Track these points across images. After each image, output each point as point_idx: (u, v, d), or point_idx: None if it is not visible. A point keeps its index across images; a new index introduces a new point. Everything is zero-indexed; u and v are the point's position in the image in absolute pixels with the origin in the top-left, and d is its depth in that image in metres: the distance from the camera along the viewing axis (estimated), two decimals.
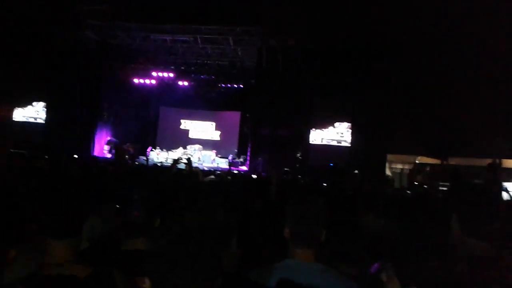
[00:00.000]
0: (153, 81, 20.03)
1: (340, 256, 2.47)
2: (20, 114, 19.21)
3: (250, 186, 4.98)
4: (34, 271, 1.46)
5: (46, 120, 18.79)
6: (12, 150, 13.55)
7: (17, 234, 1.58)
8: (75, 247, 1.59)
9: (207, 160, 19.60)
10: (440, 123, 15.39)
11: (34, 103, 19.13)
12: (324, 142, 17.23)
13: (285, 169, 13.98)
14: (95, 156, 13.93)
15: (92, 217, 2.53)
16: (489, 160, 7.68)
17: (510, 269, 1.87)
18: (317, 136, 17.33)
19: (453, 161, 16.00)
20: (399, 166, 17.55)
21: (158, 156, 19.50)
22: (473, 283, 1.93)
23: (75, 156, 11.10)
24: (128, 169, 6.46)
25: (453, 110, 14.94)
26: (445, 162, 16.29)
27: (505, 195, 6.22)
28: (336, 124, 17.24)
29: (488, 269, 1.94)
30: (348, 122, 17.10)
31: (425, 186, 11.15)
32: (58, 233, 1.57)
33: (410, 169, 16.60)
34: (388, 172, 16.98)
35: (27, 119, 19.17)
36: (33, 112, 19.21)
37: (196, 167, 6.01)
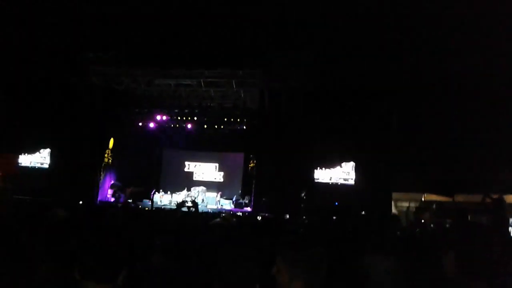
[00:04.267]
0: (157, 124, 20.29)
1: None
2: (28, 160, 19.34)
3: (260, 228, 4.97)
4: None
5: (50, 165, 18.92)
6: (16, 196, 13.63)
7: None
8: None
9: (211, 201, 19.52)
10: (445, 160, 15.38)
11: (41, 150, 19.29)
12: (333, 181, 17.25)
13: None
14: (106, 202, 13.93)
15: None
16: (495, 196, 7.63)
17: None
18: (325, 175, 17.36)
19: (459, 197, 15.88)
20: (405, 204, 17.40)
21: (162, 198, 19.45)
22: None
23: (80, 202, 11.12)
24: (134, 213, 6.48)
25: (457, 146, 14.97)
26: (451, 199, 16.17)
27: None
28: (343, 164, 17.31)
29: None
30: (353, 162, 17.17)
31: (432, 225, 11.05)
32: (101, 277, 1.65)
33: (416, 207, 16.52)
34: (394, 210, 16.85)
35: (34, 164, 19.27)
36: (40, 158, 19.33)
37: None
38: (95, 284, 1.64)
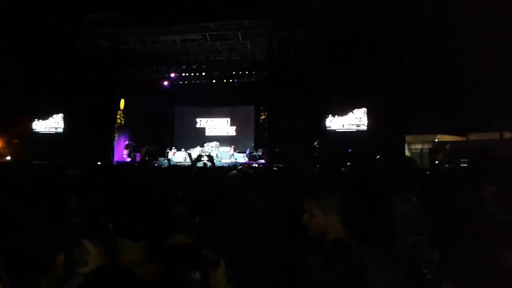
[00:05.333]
0: (166, 82, 20.19)
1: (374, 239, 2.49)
2: (42, 126, 19.59)
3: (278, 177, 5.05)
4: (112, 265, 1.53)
5: (64, 130, 19.16)
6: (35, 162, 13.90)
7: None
8: (149, 248, 1.68)
9: (225, 156, 19.74)
10: (458, 99, 15.17)
11: (54, 115, 19.48)
12: (346, 127, 17.17)
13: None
14: (124, 162, 14.17)
15: None
16: (509, 134, 7.58)
17: None
18: (337, 123, 17.25)
19: (473, 136, 15.80)
20: (418, 146, 17.38)
21: (175, 155, 19.70)
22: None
23: (99, 163, 11.32)
24: (153, 170, 6.60)
25: (470, 85, 14.71)
26: (465, 139, 16.10)
27: None
28: (355, 110, 17.13)
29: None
30: (364, 108, 16.96)
31: (446, 165, 11.07)
32: (136, 235, 1.66)
33: (430, 149, 16.50)
34: (407, 153, 16.86)
35: (48, 129, 19.53)
36: (53, 123, 19.54)
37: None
38: (131, 241, 1.66)
